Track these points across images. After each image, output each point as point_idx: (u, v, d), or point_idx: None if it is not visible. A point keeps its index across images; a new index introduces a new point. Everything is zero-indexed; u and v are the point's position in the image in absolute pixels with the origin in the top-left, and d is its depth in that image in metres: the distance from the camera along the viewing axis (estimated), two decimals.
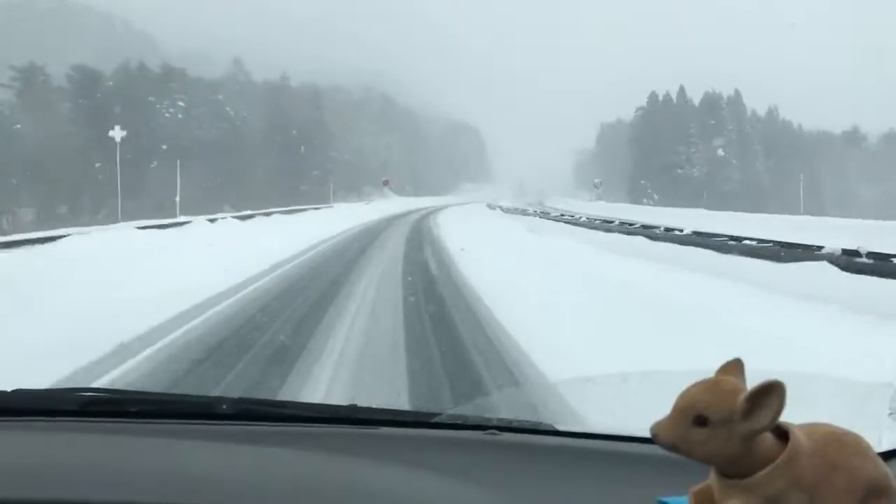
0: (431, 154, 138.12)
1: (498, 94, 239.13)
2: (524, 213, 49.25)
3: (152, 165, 63.58)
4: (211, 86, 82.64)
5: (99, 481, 1.08)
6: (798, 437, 0.90)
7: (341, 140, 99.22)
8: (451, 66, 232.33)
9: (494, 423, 1.44)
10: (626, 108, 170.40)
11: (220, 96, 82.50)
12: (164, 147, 64.60)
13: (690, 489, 0.97)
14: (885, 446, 1.20)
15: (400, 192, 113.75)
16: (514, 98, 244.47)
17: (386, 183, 60.67)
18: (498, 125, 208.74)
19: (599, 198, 55.94)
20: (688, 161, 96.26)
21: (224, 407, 1.49)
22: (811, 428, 0.93)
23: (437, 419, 1.50)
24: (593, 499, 1.11)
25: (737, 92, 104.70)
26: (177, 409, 1.55)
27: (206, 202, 66.83)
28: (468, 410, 1.78)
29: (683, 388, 0.90)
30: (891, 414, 1.51)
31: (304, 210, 47.82)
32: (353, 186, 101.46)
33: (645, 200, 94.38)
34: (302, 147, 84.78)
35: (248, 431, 1.40)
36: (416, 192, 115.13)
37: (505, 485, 1.13)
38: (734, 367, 0.93)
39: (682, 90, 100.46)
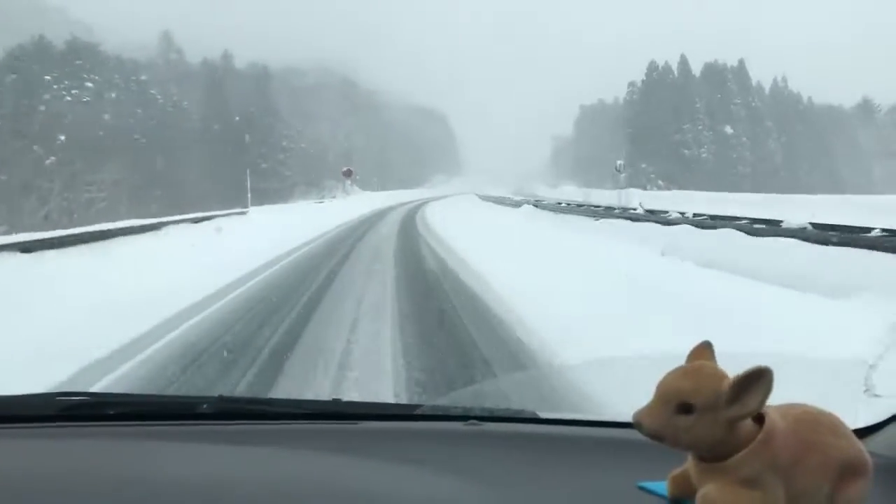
0: (398, 144, 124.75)
1: (467, 79, 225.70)
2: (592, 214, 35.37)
3: (47, 162, 49.30)
4: (132, 65, 68.18)
5: (77, 487, 1.07)
6: (773, 418, 0.91)
7: (296, 128, 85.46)
8: (416, 47, 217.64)
9: (476, 413, 1.44)
10: (610, 87, 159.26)
11: (145, 77, 68.24)
12: (63, 138, 50.33)
13: (669, 474, 0.98)
14: (861, 423, 1.20)
15: (365, 185, 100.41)
16: (484, 83, 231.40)
17: (348, 174, 47.05)
18: (467, 112, 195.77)
19: (623, 185, 42.98)
20: (695, 141, 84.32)
21: (205, 407, 1.46)
22: (786, 409, 0.94)
23: (419, 411, 1.50)
24: (575, 485, 1.10)
25: (741, 62, 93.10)
26: (157, 410, 1.54)
27: (125, 205, 53.13)
28: (451, 401, 1.63)
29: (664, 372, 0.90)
30: (866, 391, 1.51)
31: (195, 221, 23.38)
32: (313, 180, 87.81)
33: (649, 186, 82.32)
34: (246, 136, 70.87)
35: (230, 431, 1.39)
36: (384, 186, 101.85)
37: (486, 475, 1.13)
38: (704, 350, 0.94)
39: (683, 60, 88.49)
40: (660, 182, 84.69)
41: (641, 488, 1.03)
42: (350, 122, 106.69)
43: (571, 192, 58.42)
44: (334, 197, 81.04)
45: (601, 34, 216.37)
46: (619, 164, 43.04)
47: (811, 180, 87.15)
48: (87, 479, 1.11)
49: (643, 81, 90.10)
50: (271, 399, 2.60)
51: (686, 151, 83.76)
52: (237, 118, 72.49)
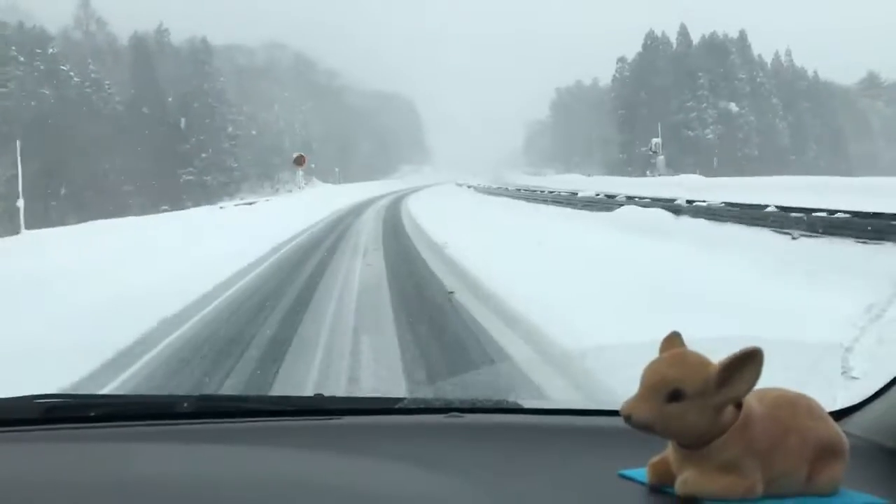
0: (361, 131, 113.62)
1: (434, 61, 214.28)
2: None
3: None
4: (38, 35, 56.14)
5: (59, 491, 1.06)
6: (750, 403, 0.91)
7: (245, 113, 74.03)
8: (379, 26, 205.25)
9: (457, 405, 1.44)
10: (590, 67, 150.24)
11: (53, 50, 56.29)
12: None
13: (649, 462, 0.99)
14: (839, 404, 1.21)
15: (326, 176, 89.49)
16: (452, 65, 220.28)
17: (300, 162, 35.63)
18: (434, 97, 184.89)
19: (662, 170, 32.68)
20: (699, 120, 74.89)
21: (185, 405, 1.45)
22: (763, 393, 0.94)
23: (400, 405, 1.49)
24: (557, 475, 1.10)
25: (742, 34, 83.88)
26: (138, 410, 1.53)
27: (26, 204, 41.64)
28: (431, 394, 1.75)
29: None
30: (843, 373, 1.51)
31: None
32: (267, 172, 76.82)
33: (648, 172, 72.80)
34: (182, 120, 59.38)
35: (211, 429, 1.38)
36: (347, 177, 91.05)
37: (468, 467, 1.13)
38: (675, 339, 0.94)
39: (683, 31, 78.98)
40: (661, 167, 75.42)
41: (622, 476, 1.04)
42: (308, 106, 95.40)
43: (578, 181, 48.58)
44: (290, 191, 70.39)
45: (577, 11, 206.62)
46: (656, 144, 33.27)
47: (821, 163, 78.86)
48: (69, 481, 1.10)
49: (639, 55, 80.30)
50: (252, 396, 2.57)
51: (690, 132, 74.29)
52: (170, 100, 60.85)
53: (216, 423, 1.43)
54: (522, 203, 31.06)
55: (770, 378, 0.91)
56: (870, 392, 1.24)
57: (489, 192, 43.48)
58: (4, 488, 1.06)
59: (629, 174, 69.97)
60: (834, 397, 1.27)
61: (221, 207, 32.31)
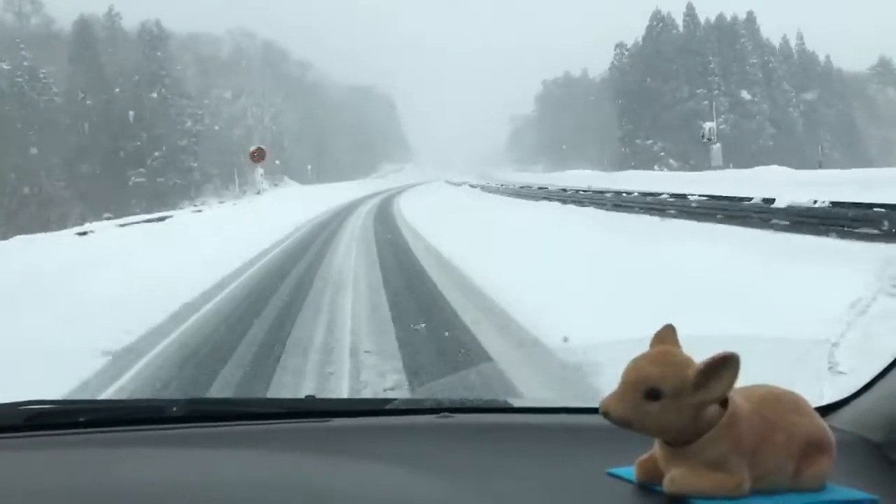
0: (337, 127, 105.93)
1: (412, 54, 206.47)
2: None
3: None
4: None
5: (48, 498, 1.05)
6: (736, 401, 0.92)
7: (207, 107, 66.24)
8: (353, 14, 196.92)
9: (447, 405, 1.44)
10: (579, 57, 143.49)
11: None
12: None
13: (637, 459, 1.00)
14: (826, 399, 1.23)
15: (298, 176, 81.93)
16: (432, 59, 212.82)
17: (258, 157, 27.44)
18: (414, 92, 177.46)
19: (718, 161, 25.51)
20: (711, 109, 68.15)
21: (175, 409, 1.45)
22: (749, 390, 0.96)
23: (390, 406, 1.50)
24: (546, 474, 1.11)
25: (750, 16, 77.41)
26: (127, 415, 1.52)
27: None
28: (421, 394, 1.81)
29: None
30: (830, 368, 1.53)
31: None
32: (231, 172, 69.09)
33: (657, 167, 66.10)
34: (131, 114, 51.50)
35: (201, 433, 1.38)
36: (321, 177, 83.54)
37: (458, 467, 1.14)
38: (668, 334, 0.95)
39: (690, 11, 72.15)
40: (671, 161, 68.63)
41: (611, 475, 1.05)
42: (279, 100, 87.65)
43: (591, 178, 41.44)
44: (259, 192, 62.44)
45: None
46: (710, 129, 26.41)
47: (836, 154, 72.76)
48: (54, 488, 1.09)
49: (643, 39, 73.43)
50: (242, 399, 2.45)
51: (702, 122, 67.50)
52: (118, 90, 52.91)
53: (206, 426, 1.41)
54: (565, 206, 23.78)
55: (757, 374, 0.92)
56: (856, 387, 1.25)
57: (499, 192, 35.83)
58: None
59: (633, 168, 63.25)
60: (821, 392, 1.25)
61: (160, 218, 24.83)
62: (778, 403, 0.95)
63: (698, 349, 0.92)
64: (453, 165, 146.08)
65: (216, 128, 64.46)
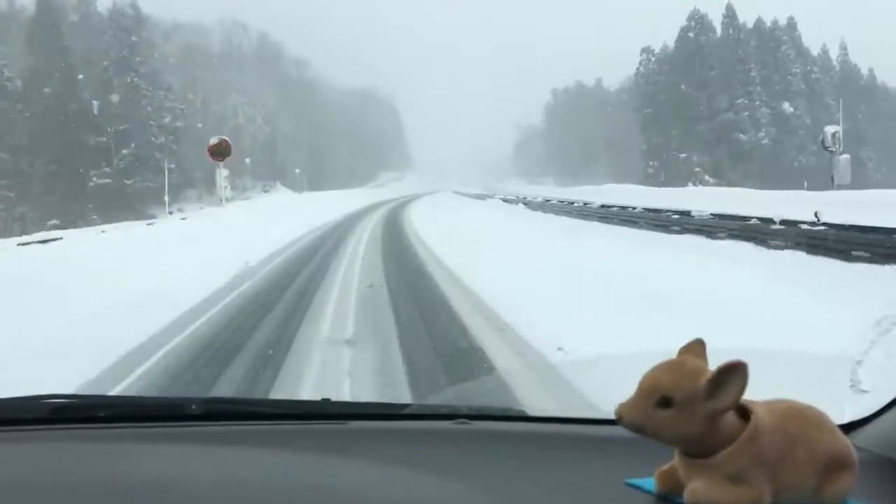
0: (335, 131, 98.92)
1: (417, 57, 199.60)
2: None
3: None
4: None
5: (66, 491, 1.07)
6: (759, 414, 0.92)
7: (187, 100, 59.20)
8: (356, 12, 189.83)
9: (464, 411, 1.44)
10: (593, 66, 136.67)
11: None
12: None
13: (656, 471, 1.00)
14: (848, 417, 1.22)
15: (296, 183, 74.92)
16: (438, 63, 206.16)
17: (220, 152, 20.89)
18: (417, 98, 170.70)
19: (842, 178, 18.53)
20: (752, 121, 61.39)
21: (193, 407, 1.46)
22: (772, 404, 0.95)
23: (407, 410, 1.51)
24: (564, 483, 1.11)
25: (791, 22, 70.83)
26: (146, 411, 1.54)
27: None
28: (439, 400, 1.87)
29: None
30: (852, 386, 1.53)
31: None
32: (212, 177, 62.47)
33: (691, 183, 59.15)
34: (95, 105, 44.37)
35: (219, 432, 1.39)
36: (317, 184, 76.53)
37: (474, 474, 1.13)
38: (696, 347, 0.95)
39: (730, 12, 65.27)
40: (707, 177, 61.77)
41: (630, 485, 1.04)
42: (272, 99, 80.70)
43: (635, 193, 34.54)
44: (248, 198, 55.54)
45: (576, 6, 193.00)
46: (832, 135, 19.17)
47: (878, 175, 66.18)
48: (75, 481, 1.11)
49: (676, 41, 66.62)
50: (259, 400, 2.42)
51: (742, 136, 60.69)
52: (81, 77, 45.73)
53: (224, 425, 1.42)
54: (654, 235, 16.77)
55: (778, 389, 0.91)
56: (879, 406, 1.23)
57: (546, 210, 28.17)
58: (11, 487, 1.07)
59: (661, 184, 56.38)
60: (842, 410, 1.23)
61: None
62: (801, 418, 0.95)
63: (723, 361, 0.92)
64: (455, 176, 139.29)
65: (199, 125, 57.27)
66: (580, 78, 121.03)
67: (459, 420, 1.39)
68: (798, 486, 0.92)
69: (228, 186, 24.33)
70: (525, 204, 33.39)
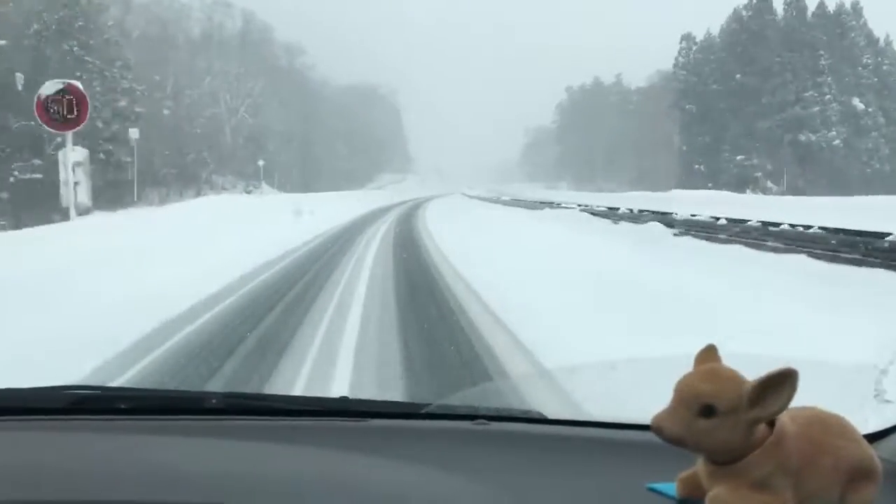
0: (330, 128, 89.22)
1: (420, 52, 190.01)
2: None
3: None
4: None
5: (87, 480, 1.09)
6: (783, 421, 0.91)
7: (152, 82, 49.68)
8: (357, 4, 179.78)
9: (483, 412, 1.44)
10: (612, 62, 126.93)
11: None
12: None
13: (678, 476, 0.99)
14: (871, 428, 1.21)
15: (287, 184, 65.70)
16: (442, 59, 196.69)
17: (54, 115, 11.31)
18: (420, 96, 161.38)
19: None
20: (822, 119, 52.11)
21: (213, 401, 1.48)
22: (796, 412, 0.94)
23: (426, 410, 1.49)
24: (583, 487, 1.12)
25: (856, 6, 61.64)
26: (166, 404, 1.55)
27: None
28: (457, 401, 1.81)
29: (672, 375, 0.91)
30: (876, 395, 1.51)
31: None
32: (189, 171, 52.66)
33: (749, 190, 49.92)
34: (19, 78, 34.67)
35: (238, 426, 1.40)
36: (310, 186, 67.33)
37: (494, 474, 1.14)
38: (711, 354, 0.94)
39: None
40: (769, 184, 52.56)
41: (651, 490, 1.03)
42: (259, 88, 71.23)
43: (720, 201, 25.11)
44: (226, 189, 45.96)
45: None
46: None
47: None
48: (95, 471, 1.12)
49: (729, 24, 57.38)
50: (279, 395, 2.50)
51: (812, 135, 51.36)
52: (3, 43, 36.01)
53: (243, 419, 1.43)
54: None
55: (800, 397, 0.93)
56: None
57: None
58: (32, 475, 1.09)
59: (710, 188, 47.12)
60: (865, 420, 1.21)
61: None
62: (825, 426, 0.94)
63: (740, 368, 0.91)
64: (458, 179, 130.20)
65: (165, 112, 47.71)
66: (598, 74, 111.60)
67: (479, 420, 1.38)
68: (821, 494, 0.91)
69: (83, 182, 14.11)
70: (592, 214, 23.70)
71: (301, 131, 74.58)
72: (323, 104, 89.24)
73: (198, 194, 52.57)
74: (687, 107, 60.79)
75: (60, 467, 1.13)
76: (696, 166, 57.29)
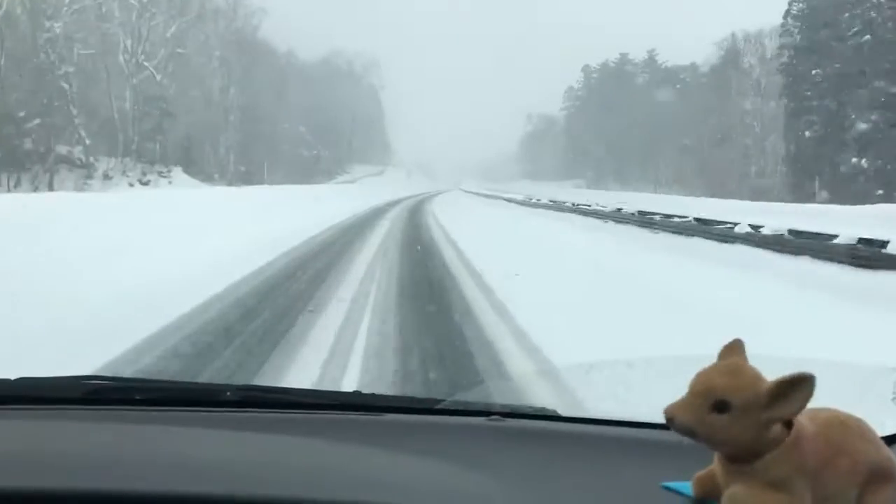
0: (295, 107, 76.79)
1: (405, 23, 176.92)
2: None
3: None
4: None
5: (104, 470, 1.10)
6: (802, 421, 0.91)
7: (76, 59, 37.80)
8: None
9: (498, 409, 1.46)
10: (619, 45, 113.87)
11: None
12: None
13: (695, 475, 0.99)
14: (888, 430, 1.22)
15: (222, 171, 54.03)
16: (430, 34, 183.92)
17: None
18: (403, 75, 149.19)
19: None
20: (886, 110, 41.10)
21: (229, 394, 1.51)
22: (814, 412, 0.94)
23: (440, 405, 1.52)
24: (598, 484, 1.13)
25: None
26: (182, 396, 1.58)
27: None
28: (471, 397, 1.79)
29: (688, 374, 0.91)
30: (894, 398, 1.56)
31: None
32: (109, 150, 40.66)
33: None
34: None
35: (253, 418, 1.43)
36: (256, 176, 55.58)
37: (508, 471, 1.15)
38: (736, 348, 0.94)
39: None
40: (825, 193, 41.61)
41: (666, 488, 1.04)
42: (215, 61, 59.18)
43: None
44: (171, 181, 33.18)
45: None
46: None
47: None
48: (111, 461, 1.14)
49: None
50: (294, 389, 2.43)
51: (878, 135, 40.41)
52: None
53: (258, 412, 1.46)
54: None
55: (818, 398, 0.93)
56: None
57: None
58: (47, 463, 1.11)
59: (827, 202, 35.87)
60: (882, 422, 1.22)
61: None
62: (843, 428, 0.94)
63: (763, 369, 0.91)
64: (448, 174, 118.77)
65: (94, 92, 35.32)
66: (610, 56, 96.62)
67: (493, 417, 1.40)
68: (839, 495, 0.91)
69: None
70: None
71: (249, 106, 61.86)
72: (287, 80, 76.63)
73: (140, 182, 39.75)
74: (796, 88, 47.96)
75: (76, 457, 1.15)
76: (820, 177, 45.20)
